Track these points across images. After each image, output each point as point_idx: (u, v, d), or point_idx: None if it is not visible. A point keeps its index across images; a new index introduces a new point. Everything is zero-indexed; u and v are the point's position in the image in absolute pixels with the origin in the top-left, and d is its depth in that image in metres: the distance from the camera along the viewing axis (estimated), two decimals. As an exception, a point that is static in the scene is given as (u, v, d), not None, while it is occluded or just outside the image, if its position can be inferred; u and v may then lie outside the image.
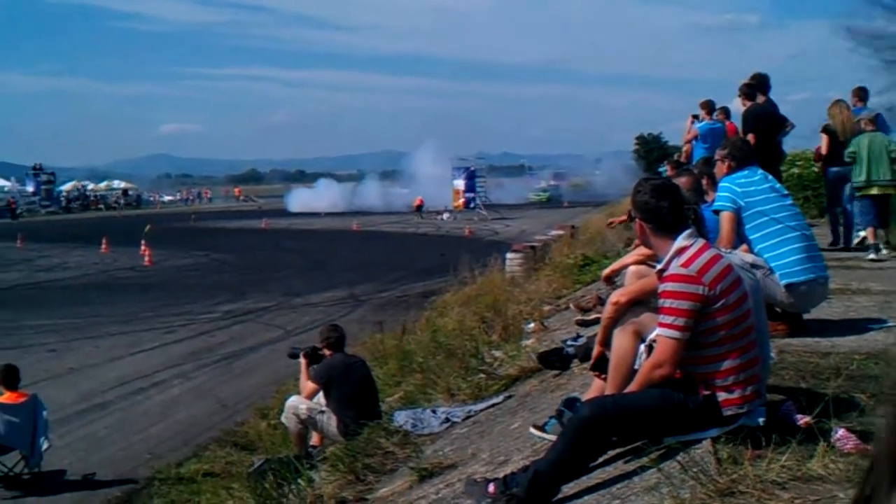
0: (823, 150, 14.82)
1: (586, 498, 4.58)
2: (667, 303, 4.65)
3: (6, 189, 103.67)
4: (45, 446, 12.71)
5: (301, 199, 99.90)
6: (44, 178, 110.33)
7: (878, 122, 14.15)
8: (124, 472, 13.18)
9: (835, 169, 14.67)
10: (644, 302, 5.19)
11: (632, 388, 4.80)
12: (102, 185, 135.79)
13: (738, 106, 15.04)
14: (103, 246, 49.51)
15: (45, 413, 12.88)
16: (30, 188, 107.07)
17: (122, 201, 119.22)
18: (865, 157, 13.47)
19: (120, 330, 24.65)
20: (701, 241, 4.87)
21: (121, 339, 23.24)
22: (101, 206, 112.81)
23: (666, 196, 4.96)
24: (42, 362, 19.62)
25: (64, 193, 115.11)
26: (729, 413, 4.63)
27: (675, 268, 4.71)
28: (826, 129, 14.76)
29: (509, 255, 24.30)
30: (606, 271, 8.39)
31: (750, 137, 13.27)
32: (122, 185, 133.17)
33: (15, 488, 12.48)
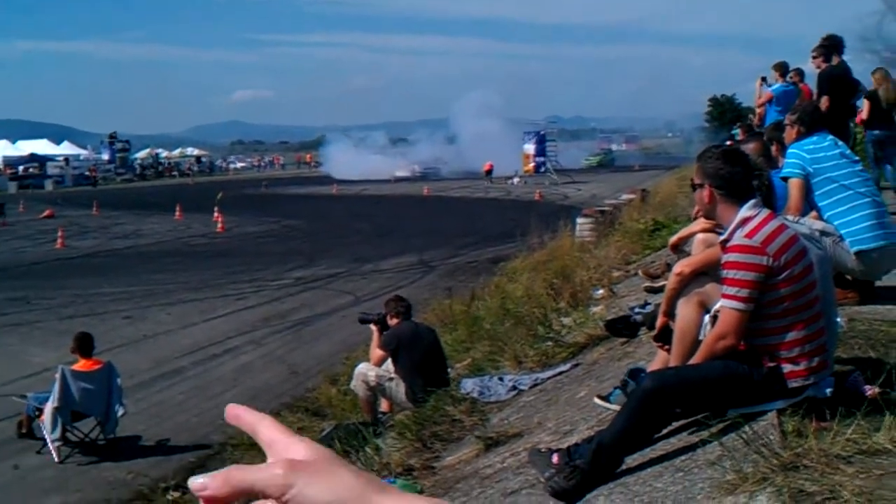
0: (864, 115, 15.04)
1: (649, 470, 4.57)
2: (730, 273, 4.61)
3: (82, 157, 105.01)
4: (120, 413, 12.89)
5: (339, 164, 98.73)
6: (119, 146, 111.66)
7: None
8: (198, 437, 13.34)
9: (875, 132, 15.18)
10: (709, 272, 5.14)
11: (695, 359, 4.76)
12: (176, 152, 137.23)
13: (811, 68, 14.81)
14: (177, 213, 50.04)
15: (119, 380, 13.06)
16: (105, 156, 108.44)
17: (195, 168, 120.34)
18: None
19: (193, 297, 24.92)
20: (766, 211, 4.81)
21: (194, 306, 23.50)
22: (175, 173, 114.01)
23: (734, 163, 4.91)
24: (117, 329, 19.90)
25: (138, 161, 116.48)
26: (794, 385, 4.57)
27: (738, 238, 4.66)
28: (869, 95, 15.15)
29: (579, 220, 24.16)
30: (673, 239, 8.31)
31: (824, 100, 13.09)
32: (196, 152, 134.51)
33: (91, 454, 12.69)
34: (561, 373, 8.41)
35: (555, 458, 4.69)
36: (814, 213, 7.35)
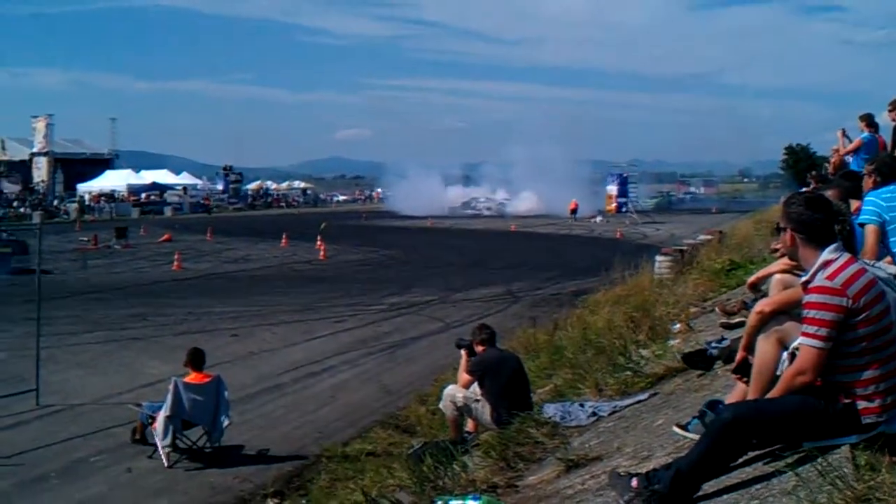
0: None
1: (726, 497, 4.49)
2: (811, 313, 4.53)
3: (198, 187, 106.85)
4: (225, 423, 13.02)
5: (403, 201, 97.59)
6: (232, 177, 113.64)
7: None
8: (296, 448, 13.42)
9: None
10: (788, 311, 5.07)
11: (773, 393, 4.69)
12: (284, 184, 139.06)
13: (885, 120, 14.55)
14: (283, 241, 50.58)
15: (226, 393, 13.19)
16: (219, 186, 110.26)
17: (300, 200, 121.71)
18: None
19: (296, 318, 25.13)
20: (847, 255, 4.72)
21: (296, 327, 23.69)
22: (283, 203, 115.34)
23: (819, 209, 4.85)
24: (226, 346, 20.13)
25: (249, 192, 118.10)
26: (868, 421, 4.48)
27: (820, 280, 4.58)
28: None
29: (658, 258, 24.00)
30: (752, 279, 8.21)
31: (896, 153, 12.90)
32: (302, 185, 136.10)
33: (197, 460, 12.82)
34: (639, 401, 8.31)
35: (634, 483, 4.63)
36: (888, 258, 7.20)
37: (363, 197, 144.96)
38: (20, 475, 12.21)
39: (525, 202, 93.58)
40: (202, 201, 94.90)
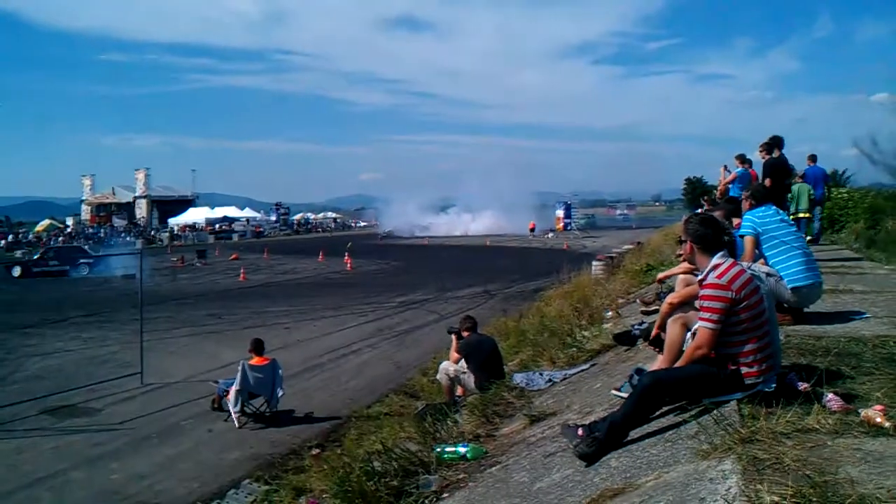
0: None
1: (647, 441, 4.48)
2: (705, 303, 4.56)
3: (258, 218, 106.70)
4: (280, 394, 12.99)
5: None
6: (282, 210, 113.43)
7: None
8: (332, 411, 13.36)
9: None
10: (689, 302, 5.11)
11: (680, 363, 4.72)
12: (320, 215, 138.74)
13: (757, 157, 14.64)
14: (320, 257, 50.48)
15: (281, 371, 13.16)
16: (272, 218, 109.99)
17: (332, 226, 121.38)
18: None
19: (330, 314, 25.06)
20: (731, 260, 4.78)
21: (331, 321, 23.63)
22: (319, 229, 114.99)
23: (709, 226, 4.93)
24: (279, 336, 20.04)
25: (294, 221, 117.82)
26: (749, 381, 4.50)
27: (711, 278, 4.63)
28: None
29: (594, 263, 24.04)
30: (661, 275, 8.27)
31: (767, 182, 12.97)
32: (332, 215, 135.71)
33: (260, 422, 12.78)
34: (582, 370, 8.29)
35: (580, 431, 4.64)
36: (762, 260, 7.23)
37: (376, 223, 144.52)
38: (130, 436, 12.16)
39: (485, 221, 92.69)
40: (254, 230, 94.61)
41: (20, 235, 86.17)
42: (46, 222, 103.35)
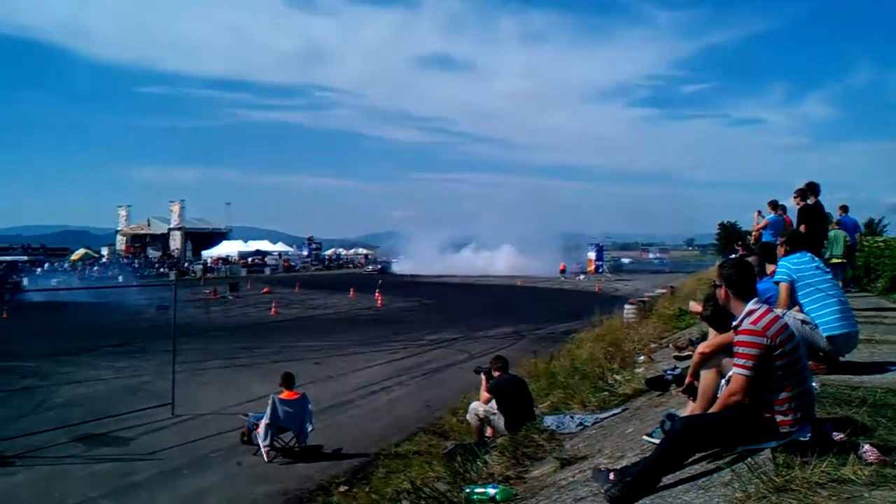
0: None
1: (680, 487, 4.46)
2: (740, 349, 4.56)
3: (290, 253, 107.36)
4: (309, 429, 13.03)
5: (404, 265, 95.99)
6: (314, 245, 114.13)
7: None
8: (361, 448, 13.36)
9: None
10: (723, 350, 5.10)
11: (713, 409, 4.71)
12: (351, 251, 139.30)
13: (792, 204, 14.60)
14: (351, 293, 50.68)
15: (310, 406, 13.22)
16: (304, 252, 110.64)
17: (363, 262, 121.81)
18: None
19: (360, 350, 25.12)
20: (765, 306, 4.77)
21: (361, 357, 23.67)
22: (350, 265, 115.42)
23: (743, 271, 4.93)
24: (310, 371, 20.09)
25: (326, 256, 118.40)
26: (784, 430, 4.48)
27: (746, 325, 4.63)
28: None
29: (626, 306, 23.92)
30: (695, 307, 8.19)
31: (802, 228, 12.91)
32: (364, 251, 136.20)
33: (289, 457, 12.81)
34: (614, 414, 8.26)
35: (611, 476, 4.64)
36: (797, 308, 7.20)
37: (387, 260, 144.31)
38: (160, 467, 12.24)
39: (509, 260, 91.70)
40: (283, 265, 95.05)
41: (56, 264, 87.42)
42: (82, 251, 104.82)
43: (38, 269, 78.00)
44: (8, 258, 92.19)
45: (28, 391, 17.99)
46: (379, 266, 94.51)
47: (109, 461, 12.57)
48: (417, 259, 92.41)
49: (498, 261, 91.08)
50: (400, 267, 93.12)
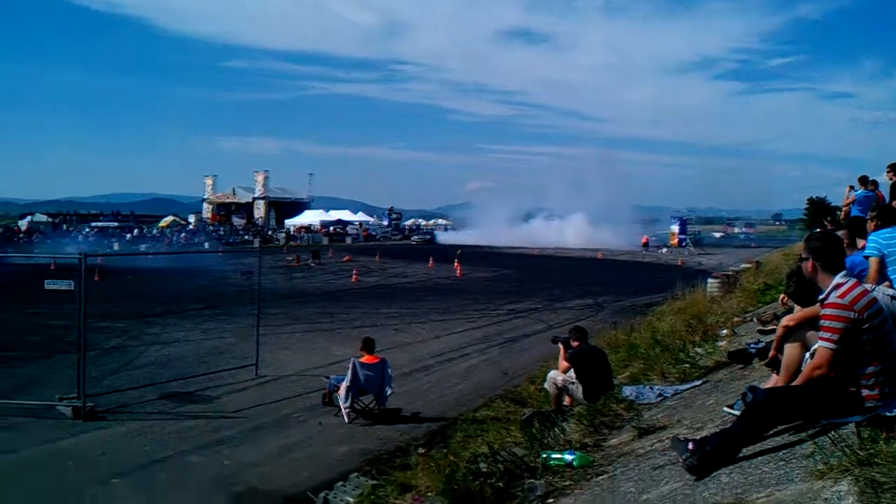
0: None
1: (759, 459, 4.44)
2: (826, 323, 4.48)
3: (370, 223, 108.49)
4: (389, 392, 13.22)
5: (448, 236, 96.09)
6: (394, 216, 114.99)
7: None
8: (439, 412, 13.52)
9: None
10: (807, 323, 5.02)
11: (797, 382, 4.65)
12: (431, 221, 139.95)
13: (884, 179, 14.14)
14: (430, 262, 51.01)
15: (390, 370, 13.39)
16: (385, 222, 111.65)
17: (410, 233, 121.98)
18: None
19: (439, 318, 25.33)
20: (853, 279, 4.67)
21: (440, 324, 23.87)
22: (428, 236, 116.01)
23: (831, 244, 4.82)
24: (389, 337, 20.35)
25: (406, 226, 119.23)
26: (870, 405, 4.39)
27: (833, 298, 4.53)
28: None
29: (710, 280, 23.61)
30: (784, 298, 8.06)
31: (895, 203, 12.51)
32: (443, 222, 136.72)
33: (369, 419, 13.02)
34: (695, 386, 8.21)
35: (690, 445, 4.63)
36: (887, 283, 7.00)
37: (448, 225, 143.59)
38: (244, 425, 12.61)
39: (575, 231, 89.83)
40: (362, 234, 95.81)
41: (144, 230, 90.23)
42: (170, 219, 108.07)
43: (128, 235, 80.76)
44: (100, 224, 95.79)
45: (118, 350, 18.71)
46: (426, 237, 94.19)
47: (196, 418, 13.00)
48: (487, 229, 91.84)
49: (569, 231, 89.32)
50: (447, 237, 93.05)
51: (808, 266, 4.86)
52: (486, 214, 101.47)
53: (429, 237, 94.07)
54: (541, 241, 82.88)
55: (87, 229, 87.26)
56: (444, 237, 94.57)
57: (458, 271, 44.52)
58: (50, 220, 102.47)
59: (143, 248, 64.20)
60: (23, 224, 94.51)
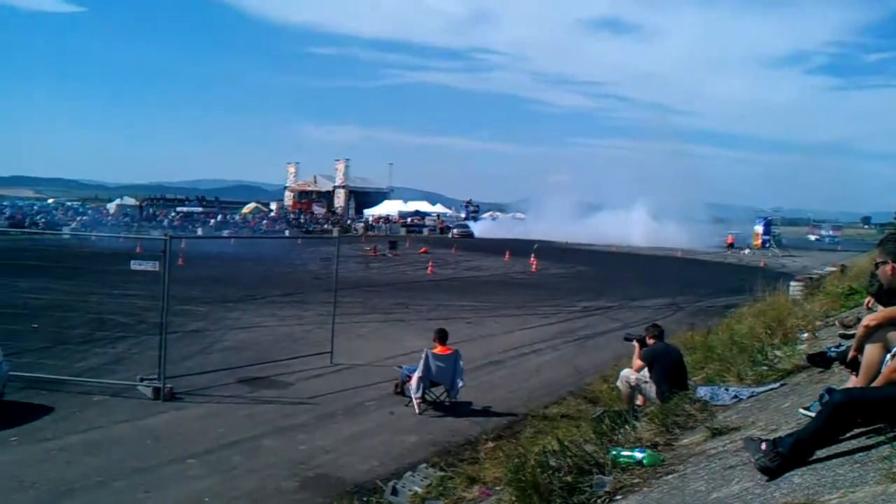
0: None
1: (834, 461, 4.35)
2: (909, 324, 4.37)
3: (448, 215, 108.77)
4: (460, 385, 13.29)
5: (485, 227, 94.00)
6: (471, 208, 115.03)
7: None
8: (509, 407, 13.54)
9: None
10: (890, 323, 4.89)
11: (877, 383, 4.55)
12: (509, 215, 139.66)
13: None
14: (506, 256, 50.98)
15: (462, 363, 13.44)
16: (462, 215, 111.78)
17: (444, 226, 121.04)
18: None
19: (513, 313, 25.34)
20: (937, 281, 4.54)
21: (513, 320, 23.88)
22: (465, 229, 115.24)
23: None
24: (462, 330, 20.41)
25: (483, 218, 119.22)
26: (953, 410, 4.28)
27: (916, 300, 4.42)
28: None
29: (792, 283, 23.13)
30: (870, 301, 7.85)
31: None
32: (521, 215, 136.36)
33: (439, 410, 13.13)
34: (771, 389, 8.05)
35: (763, 446, 4.57)
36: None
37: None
38: (317, 411, 12.84)
39: (643, 226, 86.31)
40: (438, 226, 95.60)
41: (227, 216, 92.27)
42: (252, 205, 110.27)
43: (212, 221, 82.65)
44: (185, 209, 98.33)
45: (199, 333, 19.22)
46: (466, 230, 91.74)
47: (271, 403, 13.30)
48: (549, 222, 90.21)
49: (634, 227, 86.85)
50: (481, 229, 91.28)
51: (886, 270, 4.74)
52: (546, 207, 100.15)
53: (464, 231, 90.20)
54: (604, 236, 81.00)
55: (173, 214, 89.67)
56: (481, 228, 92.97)
57: (533, 266, 44.37)
58: (137, 203, 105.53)
59: (225, 233, 65.65)
60: (111, 207, 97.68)
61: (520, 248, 57.27)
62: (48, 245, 40.70)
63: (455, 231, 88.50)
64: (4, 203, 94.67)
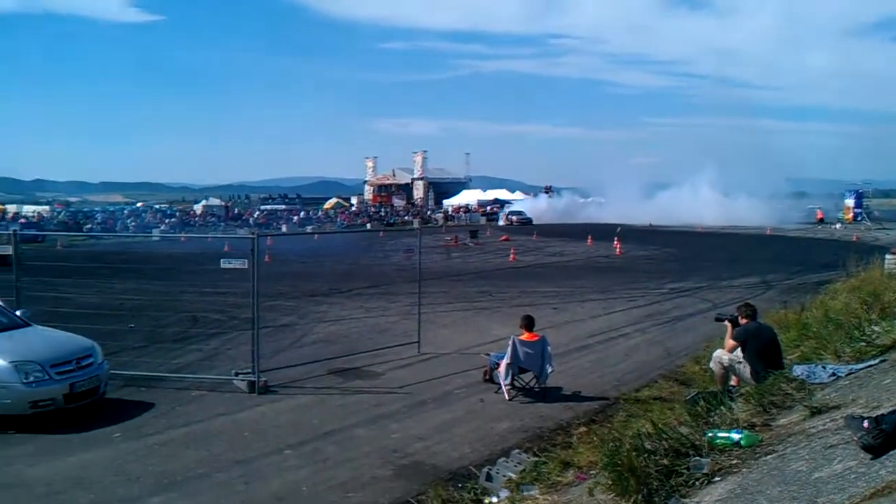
0: None
1: (943, 438, 4.26)
2: None
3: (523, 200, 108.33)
4: (549, 370, 13.26)
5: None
6: (550, 195, 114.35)
7: None
8: (600, 392, 13.45)
9: None
10: None
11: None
12: (590, 199, 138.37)
13: None
14: (588, 241, 50.58)
15: (549, 348, 13.40)
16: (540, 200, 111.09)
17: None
18: None
19: (598, 297, 25.14)
20: None
21: (598, 304, 23.70)
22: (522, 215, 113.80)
23: None
24: (547, 316, 20.37)
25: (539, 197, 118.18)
26: None
27: None
28: None
29: (888, 256, 22.43)
30: None
31: None
32: (602, 200, 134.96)
33: (529, 396, 13.11)
34: (871, 365, 7.89)
35: (865, 423, 4.50)
36: None
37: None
38: (408, 400, 12.98)
39: (718, 206, 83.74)
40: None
41: (310, 212, 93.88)
42: (333, 201, 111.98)
43: (295, 217, 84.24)
44: (268, 207, 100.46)
45: (289, 327, 19.65)
46: (522, 216, 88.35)
47: (361, 393, 13.52)
48: (617, 204, 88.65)
49: (707, 204, 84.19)
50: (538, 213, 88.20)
51: None
52: (613, 190, 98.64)
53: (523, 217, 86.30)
54: (675, 216, 79.71)
55: (258, 212, 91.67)
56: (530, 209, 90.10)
57: (617, 250, 43.95)
58: (222, 203, 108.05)
59: (308, 229, 66.78)
60: (197, 208, 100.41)
61: (602, 233, 56.71)
62: (139, 248, 42.07)
63: (513, 218, 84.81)
64: (96, 209, 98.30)
